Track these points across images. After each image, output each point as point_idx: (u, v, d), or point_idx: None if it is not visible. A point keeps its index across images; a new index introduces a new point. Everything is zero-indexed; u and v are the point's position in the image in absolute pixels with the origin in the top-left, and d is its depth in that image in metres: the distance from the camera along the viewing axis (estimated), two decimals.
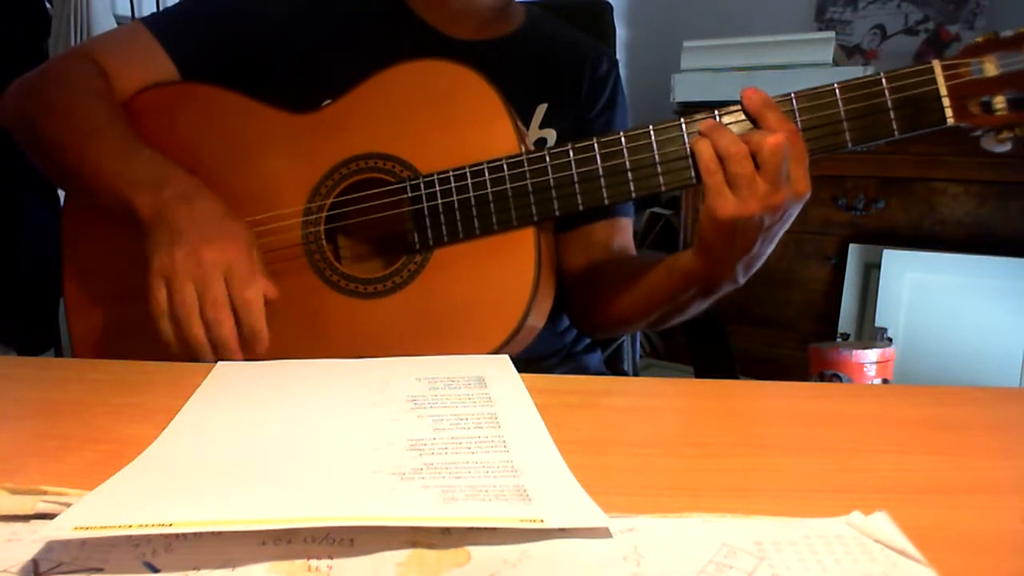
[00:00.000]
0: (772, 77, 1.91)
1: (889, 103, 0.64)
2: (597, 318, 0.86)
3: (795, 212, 0.65)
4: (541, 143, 0.85)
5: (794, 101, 0.65)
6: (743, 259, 0.67)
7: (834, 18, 2.29)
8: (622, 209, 0.91)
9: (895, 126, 0.64)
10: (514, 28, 0.90)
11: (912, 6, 2.17)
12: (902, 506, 0.34)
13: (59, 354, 0.80)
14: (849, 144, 0.64)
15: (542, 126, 0.85)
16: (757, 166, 0.62)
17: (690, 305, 0.75)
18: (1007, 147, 0.64)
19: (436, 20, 0.85)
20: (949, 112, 0.63)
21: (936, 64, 0.63)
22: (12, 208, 1.38)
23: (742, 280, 0.70)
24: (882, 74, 0.64)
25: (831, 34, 1.98)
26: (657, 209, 2.32)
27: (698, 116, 0.66)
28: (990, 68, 0.63)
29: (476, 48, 0.85)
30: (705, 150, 0.63)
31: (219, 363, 0.58)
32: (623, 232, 0.91)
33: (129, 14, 1.62)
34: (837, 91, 0.64)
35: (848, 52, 2.24)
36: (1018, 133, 0.63)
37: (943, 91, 0.63)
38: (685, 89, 2.04)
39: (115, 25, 1.49)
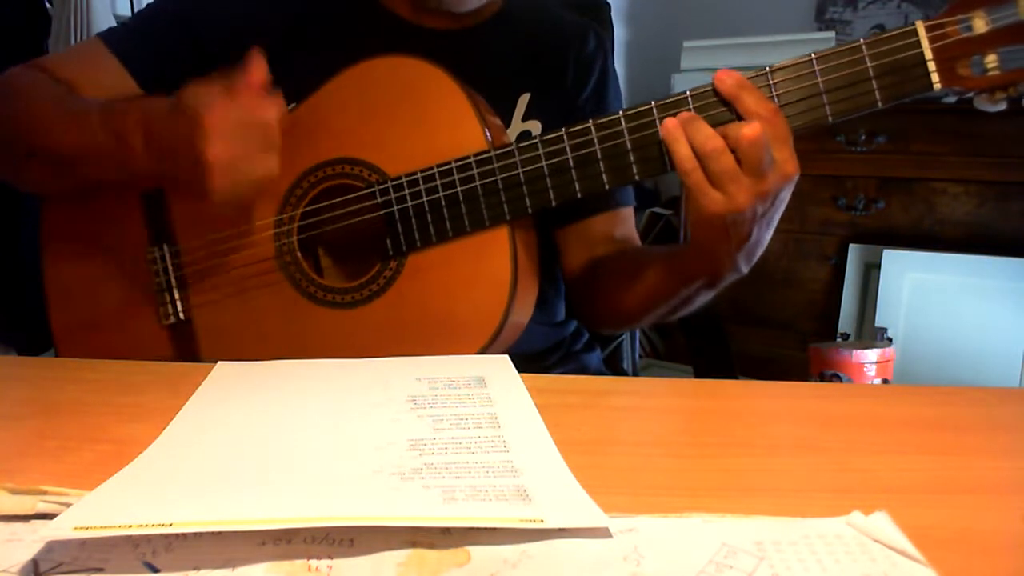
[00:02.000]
0: None
1: (871, 71, 0.60)
2: (602, 313, 0.84)
3: (788, 194, 0.62)
4: (525, 136, 0.81)
5: (770, 76, 0.61)
6: (742, 250, 0.65)
7: (834, 18, 2.29)
8: (622, 199, 0.88)
9: (878, 96, 0.60)
10: (491, 14, 0.85)
11: (912, 6, 2.17)
12: (902, 506, 0.34)
13: (59, 355, 0.79)
14: (830, 118, 0.61)
15: (525, 118, 0.82)
16: (738, 159, 0.58)
17: (695, 298, 0.73)
18: (1002, 106, 0.59)
19: (405, 10, 0.82)
20: (935, 77, 0.59)
21: (919, 25, 0.59)
22: (12, 208, 1.38)
23: (745, 269, 0.68)
24: (862, 41, 0.60)
25: (831, 34, 1.99)
26: (657, 209, 2.33)
27: (671, 98, 0.63)
28: (980, 24, 0.57)
29: (449, 38, 0.82)
30: (680, 149, 0.60)
31: (219, 363, 0.58)
32: (624, 222, 0.88)
33: (129, 14, 1.62)
34: (815, 62, 0.60)
35: None
36: (1011, 93, 0.59)
37: (928, 54, 0.59)
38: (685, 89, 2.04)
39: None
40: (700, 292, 0.72)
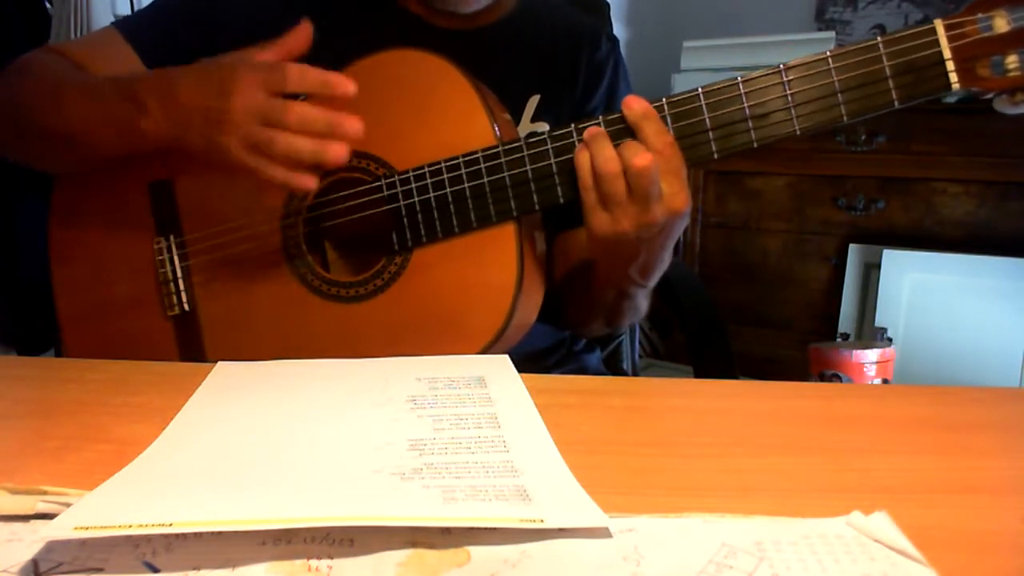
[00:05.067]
0: None
1: (887, 71, 0.59)
2: (566, 318, 0.86)
3: (680, 225, 0.64)
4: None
5: (784, 74, 0.61)
6: (634, 265, 0.67)
7: (834, 18, 2.29)
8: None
9: (894, 95, 0.59)
10: (504, 14, 0.86)
11: (912, 6, 2.17)
12: (902, 506, 0.34)
13: (59, 354, 0.79)
14: (845, 118, 0.60)
15: (534, 119, 0.82)
16: (628, 186, 0.60)
17: (621, 306, 0.76)
18: (1022, 109, 0.58)
19: (418, 8, 0.82)
20: (954, 77, 0.58)
21: (938, 24, 0.58)
22: (11, 207, 1.38)
23: (644, 282, 0.70)
24: (879, 39, 0.59)
25: (831, 34, 1.98)
26: None
27: (682, 94, 0.64)
28: (1001, 23, 0.56)
29: (460, 37, 0.82)
30: (584, 164, 0.62)
31: (219, 363, 0.58)
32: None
33: (129, 14, 1.62)
34: (830, 60, 0.60)
35: None
36: None
37: (947, 54, 0.57)
38: (685, 89, 2.04)
39: None
40: (620, 300, 0.75)
